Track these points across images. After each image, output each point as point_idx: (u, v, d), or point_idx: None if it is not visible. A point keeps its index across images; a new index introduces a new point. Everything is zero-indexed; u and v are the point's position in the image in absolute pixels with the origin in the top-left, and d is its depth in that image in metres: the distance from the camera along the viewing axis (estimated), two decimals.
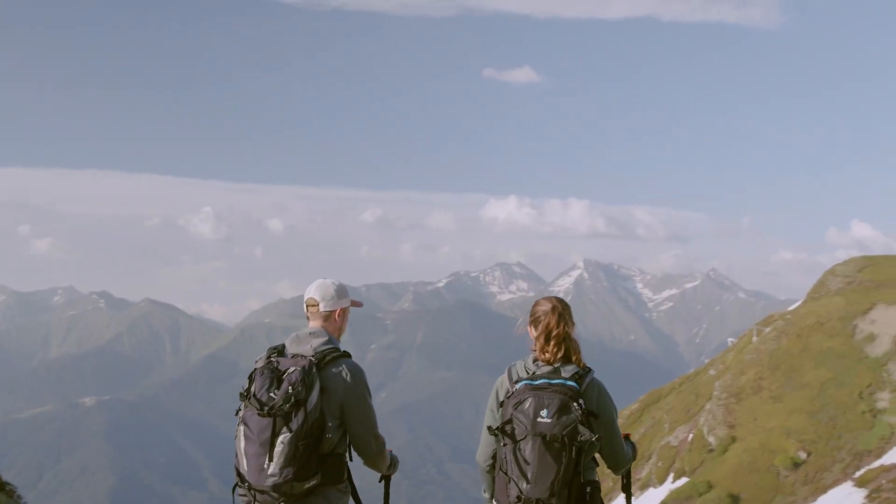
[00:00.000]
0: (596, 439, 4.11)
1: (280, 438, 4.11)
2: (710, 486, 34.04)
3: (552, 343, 4.42)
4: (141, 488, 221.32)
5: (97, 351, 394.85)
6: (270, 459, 4.12)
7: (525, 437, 4.08)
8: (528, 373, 4.40)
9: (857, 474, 29.40)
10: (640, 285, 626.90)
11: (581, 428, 4.07)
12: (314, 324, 4.75)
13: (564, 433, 4.03)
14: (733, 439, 37.27)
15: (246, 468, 4.20)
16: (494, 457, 4.56)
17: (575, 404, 4.12)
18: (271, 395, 4.16)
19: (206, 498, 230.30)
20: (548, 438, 4.02)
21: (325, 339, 4.59)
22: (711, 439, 38.76)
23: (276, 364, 4.33)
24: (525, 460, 4.06)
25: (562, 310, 4.54)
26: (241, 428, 4.25)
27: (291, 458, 4.11)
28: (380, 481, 4.92)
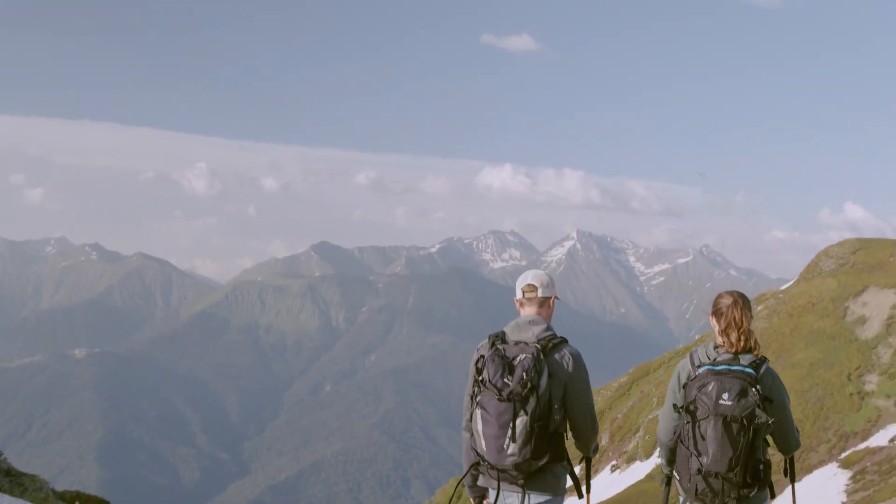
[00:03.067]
0: (772, 422, 4.67)
1: (518, 421, 4.50)
2: None
3: (736, 337, 4.92)
4: (130, 441, 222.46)
5: (88, 303, 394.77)
6: (510, 440, 4.52)
7: (707, 416, 4.60)
8: (709, 359, 4.93)
9: (843, 455, 29.68)
10: (632, 258, 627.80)
11: (758, 411, 4.59)
12: (530, 310, 5.03)
13: (744, 415, 4.56)
14: None
15: (485, 448, 4.61)
16: (675, 433, 5.05)
17: (753, 389, 4.64)
18: (506, 380, 4.53)
19: (193, 453, 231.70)
20: (728, 419, 4.55)
21: (545, 326, 4.89)
22: None
23: (502, 351, 4.68)
24: (707, 438, 4.60)
25: (743, 304, 5.03)
26: (479, 411, 4.62)
27: (528, 439, 4.51)
28: (580, 461, 5.25)
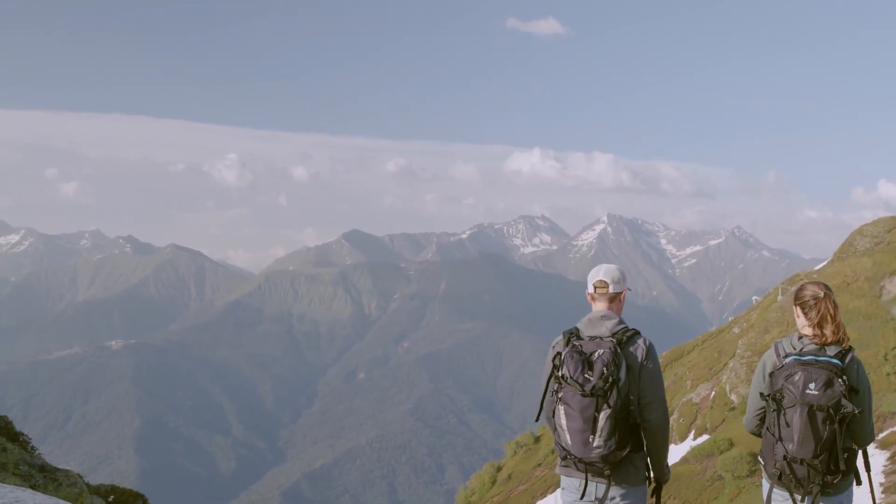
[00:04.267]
0: (858, 413, 4.72)
1: (601, 414, 4.67)
2: (731, 444, 34.15)
3: (831, 330, 4.99)
4: (166, 431, 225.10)
5: (124, 295, 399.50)
6: (594, 433, 4.70)
7: (794, 405, 4.73)
8: (795, 349, 5.03)
9: (881, 436, 29.36)
10: (663, 241, 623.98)
11: (844, 401, 4.68)
12: (601, 305, 5.20)
13: (830, 405, 4.66)
14: None
15: (570, 442, 4.78)
16: (761, 420, 5.20)
17: (839, 380, 4.73)
18: (586, 376, 4.70)
19: (229, 441, 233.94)
20: (814, 408, 4.67)
21: (617, 320, 5.10)
22: (734, 397, 38.82)
23: (580, 347, 4.86)
24: (792, 425, 4.74)
25: (833, 297, 5.13)
26: (563, 407, 4.77)
27: (613, 431, 4.69)
28: (651, 496, 5.26)
